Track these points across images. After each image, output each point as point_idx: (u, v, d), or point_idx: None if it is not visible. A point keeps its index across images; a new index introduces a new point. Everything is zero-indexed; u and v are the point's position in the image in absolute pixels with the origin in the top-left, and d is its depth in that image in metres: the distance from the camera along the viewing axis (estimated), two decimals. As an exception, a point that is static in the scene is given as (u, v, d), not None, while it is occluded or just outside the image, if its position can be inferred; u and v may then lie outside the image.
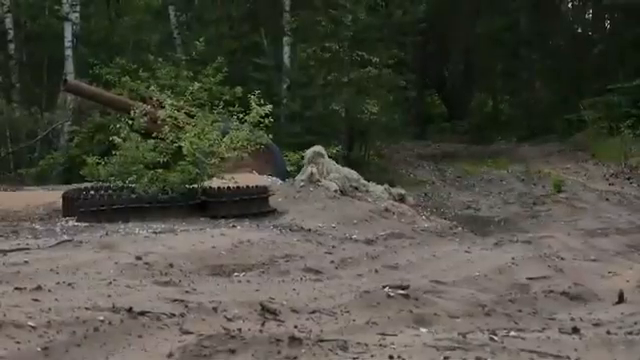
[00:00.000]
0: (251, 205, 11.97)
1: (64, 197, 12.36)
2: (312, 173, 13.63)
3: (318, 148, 14.44)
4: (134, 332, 4.78)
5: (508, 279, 8.29)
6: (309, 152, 14.35)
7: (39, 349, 4.28)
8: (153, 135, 12.82)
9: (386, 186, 14.78)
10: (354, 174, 14.56)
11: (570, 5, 30.79)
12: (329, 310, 5.96)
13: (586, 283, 8.08)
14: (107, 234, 9.79)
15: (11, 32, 22.67)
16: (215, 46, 20.95)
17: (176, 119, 13.17)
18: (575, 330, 5.11)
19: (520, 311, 6.31)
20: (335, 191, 13.33)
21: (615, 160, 20.16)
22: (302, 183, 13.61)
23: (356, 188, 14.07)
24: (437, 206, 15.93)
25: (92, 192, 12.32)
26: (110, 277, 6.95)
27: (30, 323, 4.63)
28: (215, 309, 5.56)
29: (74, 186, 13.99)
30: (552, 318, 6.05)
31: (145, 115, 13.23)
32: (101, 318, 4.86)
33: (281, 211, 12.11)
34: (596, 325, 5.58)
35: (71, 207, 11.94)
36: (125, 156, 12.36)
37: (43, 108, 21.19)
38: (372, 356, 4.27)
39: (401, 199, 14.34)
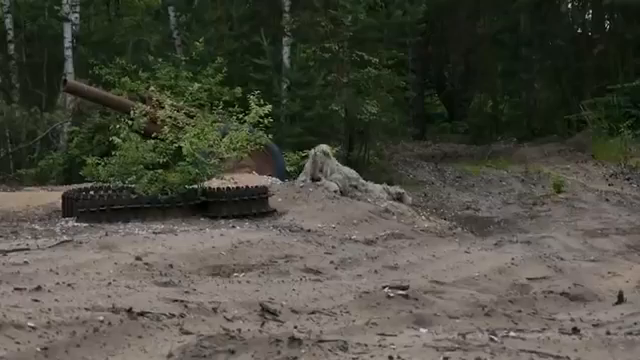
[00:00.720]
0: (251, 205, 11.97)
1: (64, 197, 12.36)
2: (315, 161, 13.63)
3: (324, 147, 14.47)
4: (134, 332, 4.78)
5: (508, 279, 8.30)
6: (315, 150, 14.37)
7: (39, 349, 4.29)
8: (153, 135, 12.83)
9: (385, 185, 14.80)
10: (354, 174, 14.58)
11: (570, 6, 30.75)
12: (329, 310, 5.96)
13: (586, 283, 8.09)
14: (107, 234, 9.79)
15: (11, 32, 22.65)
16: (215, 47, 20.93)
17: (176, 119, 13.17)
18: (575, 330, 5.11)
19: (520, 311, 6.32)
20: (335, 191, 13.34)
21: (615, 160, 20.16)
22: (302, 184, 13.62)
23: (355, 187, 14.09)
24: (437, 206, 15.92)
25: (92, 192, 12.33)
26: (110, 277, 6.95)
27: (30, 323, 4.64)
28: (215, 309, 5.56)
29: (74, 186, 13.99)
30: (552, 318, 6.05)
31: (145, 115, 13.23)
32: (101, 318, 4.87)
33: (281, 211, 12.11)
34: (596, 325, 5.58)
35: (71, 207, 11.93)
36: (125, 156, 12.35)
37: (43, 108, 21.16)
38: (372, 356, 4.27)
39: (399, 198, 14.37)
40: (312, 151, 14.39)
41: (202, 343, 4.48)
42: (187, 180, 12.04)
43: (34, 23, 24.13)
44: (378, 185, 14.67)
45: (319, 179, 13.65)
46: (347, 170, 14.64)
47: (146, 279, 7.09)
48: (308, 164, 14.17)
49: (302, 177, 14.16)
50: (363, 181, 14.52)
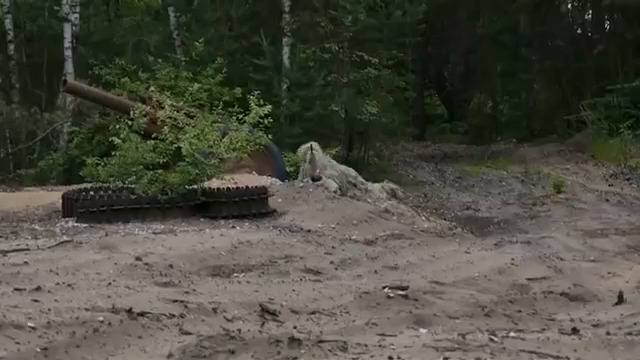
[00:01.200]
0: (251, 206, 11.97)
1: (64, 198, 12.36)
2: (313, 160, 13.67)
3: (313, 144, 14.52)
4: (134, 333, 4.79)
5: (508, 280, 8.30)
6: (302, 148, 14.44)
7: (39, 350, 4.29)
8: (153, 136, 12.83)
9: (383, 184, 14.84)
10: (352, 171, 14.60)
11: (570, 6, 30.73)
12: (329, 311, 5.97)
13: (586, 284, 8.10)
14: (107, 235, 9.79)
15: (11, 33, 22.64)
16: (214, 47, 20.93)
17: (176, 120, 13.17)
18: (575, 331, 5.12)
19: (520, 312, 6.32)
20: (335, 191, 13.35)
21: (615, 161, 20.17)
22: (301, 184, 13.62)
23: (354, 185, 14.11)
24: (437, 207, 15.93)
25: (92, 193, 12.33)
26: (110, 278, 6.95)
27: (30, 324, 4.64)
28: (215, 310, 5.56)
29: (74, 187, 13.99)
30: (552, 319, 6.05)
31: (145, 116, 13.23)
32: (101, 319, 4.87)
33: (281, 212, 12.11)
34: (596, 326, 5.59)
35: (71, 208, 11.93)
36: (125, 157, 12.35)
37: (43, 109, 21.16)
38: (372, 357, 4.28)
39: (394, 195, 14.43)
40: (308, 152, 14.43)
41: (202, 343, 4.48)
42: (187, 180, 12.04)
43: (34, 23, 24.11)
44: (377, 184, 14.70)
45: (320, 178, 13.65)
46: (343, 167, 14.68)
47: (146, 279, 7.09)
48: (306, 164, 14.16)
49: (301, 177, 14.20)
50: (362, 179, 14.54)
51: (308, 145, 14.48)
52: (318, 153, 14.27)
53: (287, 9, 20.64)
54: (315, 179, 13.71)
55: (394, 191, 14.62)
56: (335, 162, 14.87)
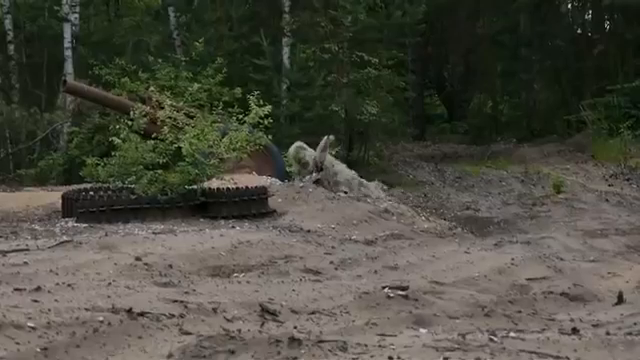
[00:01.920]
0: (250, 206, 11.96)
1: (63, 198, 12.35)
2: (325, 147, 13.74)
3: (299, 143, 14.55)
4: (134, 333, 4.79)
5: (508, 280, 8.30)
6: (291, 150, 14.46)
7: (39, 350, 4.29)
8: (153, 136, 12.82)
9: (376, 182, 14.88)
10: (349, 170, 14.62)
11: (570, 6, 30.73)
12: (329, 311, 5.97)
13: (585, 284, 8.10)
14: (107, 235, 9.78)
15: (10, 33, 22.66)
16: (214, 47, 20.95)
17: (175, 120, 13.17)
18: (575, 331, 5.12)
19: (520, 312, 6.32)
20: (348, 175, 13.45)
21: (615, 161, 20.17)
22: (301, 184, 13.61)
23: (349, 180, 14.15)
24: (436, 207, 15.93)
25: (91, 193, 12.33)
26: (110, 278, 6.95)
27: (30, 324, 4.64)
28: (214, 310, 5.56)
29: (74, 187, 13.99)
30: (552, 319, 6.05)
31: (145, 116, 13.23)
32: (101, 319, 4.87)
33: (280, 212, 12.11)
34: (596, 326, 5.59)
35: (71, 208, 11.93)
36: (124, 157, 12.35)
37: (43, 109, 21.18)
38: (372, 357, 4.28)
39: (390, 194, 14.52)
40: (289, 151, 14.49)
41: (202, 343, 4.48)
42: (187, 180, 12.04)
43: (34, 24, 24.13)
44: (372, 182, 14.75)
45: (322, 166, 13.69)
46: (336, 161, 14.70)
47: (146, 279, 7.09)
48: (317, 152, 14.10)
49: (298, 175, 14.25)
50: (355, 173, 14.57)
51: (297, 144, 14.51)
52: (307, 151, 14.31)
53: (287, 9, 20.65)
54: (319, 169, 13.76)
55: (387, 192, 14.64)
56: (328, 154, 14.90)
